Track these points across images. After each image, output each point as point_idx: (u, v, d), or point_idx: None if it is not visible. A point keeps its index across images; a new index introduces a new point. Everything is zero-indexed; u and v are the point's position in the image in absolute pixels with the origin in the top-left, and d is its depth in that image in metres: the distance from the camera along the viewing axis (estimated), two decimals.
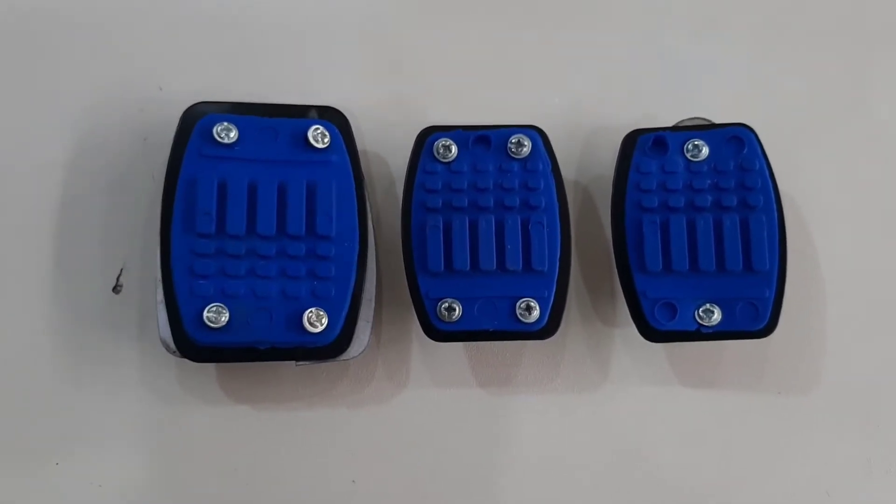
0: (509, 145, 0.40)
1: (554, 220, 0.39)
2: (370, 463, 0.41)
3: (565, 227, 0.40)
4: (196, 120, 0.39)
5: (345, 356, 0.39)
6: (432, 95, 0.45)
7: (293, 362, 0.40)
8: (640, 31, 0.46)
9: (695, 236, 0.39)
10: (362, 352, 0.39)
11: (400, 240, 0.40)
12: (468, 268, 0.39)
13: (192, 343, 0.38)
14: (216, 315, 0.37)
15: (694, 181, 0.40)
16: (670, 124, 0.42)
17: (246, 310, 0.38)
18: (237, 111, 0.40)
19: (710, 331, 0.39)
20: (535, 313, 0.39)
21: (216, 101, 0.41)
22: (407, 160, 0.40)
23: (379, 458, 0.41)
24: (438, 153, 0.40)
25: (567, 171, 0.42)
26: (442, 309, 0.39)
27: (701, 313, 0.39)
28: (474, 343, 0.42)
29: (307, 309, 0.38)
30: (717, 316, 0.39)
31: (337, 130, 0.40)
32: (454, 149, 0.40)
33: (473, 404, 0.42)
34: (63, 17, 0.44)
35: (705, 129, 0.41)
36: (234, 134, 0.39)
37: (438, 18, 0.46)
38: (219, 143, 0.39)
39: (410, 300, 0.39)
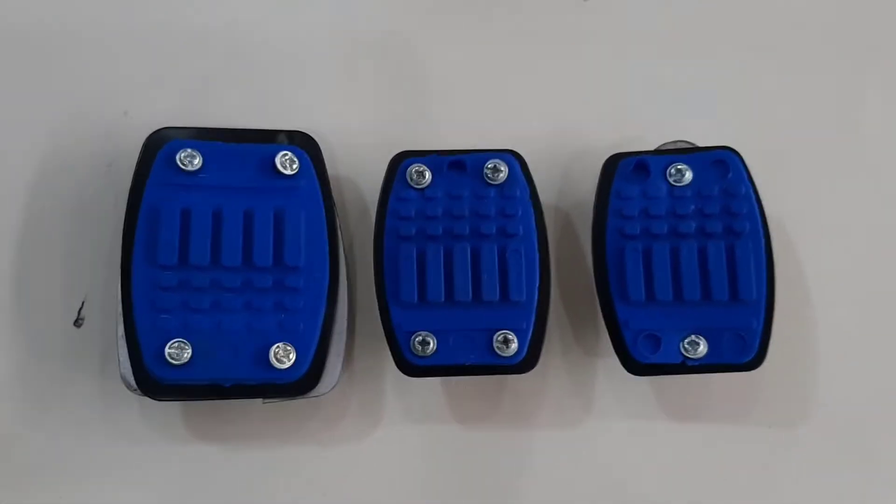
0: (485, 171, 0.39)
1: (532, 248, 0.38)
2: (343, 503, 0.39)
3: (544, 256, 0.38)
4: (159, 146, 0.38)
5: (314, 393, 0.37)
6: (407, 119, 0.43)
7: (260, 400, 0.38)
8: (620, 52, 0.45)
9: (679, 264, 0.38)
10: (333, 388, 0.38)
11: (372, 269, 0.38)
12: (443, 299, 0.37)
13: (153, 380, 0.36)
14: (178, 351, 0.36)
15: (677, 207, 0.39)
16: (652, 148, 0.40)
17: (210, 345, 0.36)
18: (202, 137, 0.39)
19: (696, 363, 0.37)
20: (514, 346, 0.37)
21: (181, 126, 0.39)
22: (379, 185, 0.39)
23: (352, 498, 0.39)
24: (412, 179, 0.39)
25: (546, 196, 0.40)
26: (416, 342, 0.37)
27: (686, 345, 0.37)
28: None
29: (274, 344, 0.36)
30: (702, 348, 0.37)
31: (306, 156, 0.39)
32: (428, 174, 0.39)
33: (451, 441, 0.40)
34: (26, 38, 0.43)
35: (688, 153, 0.39)
36: (197, 161, 0.38)
37: (413, 40, 0.44)
38: (182, 170, 0.37)
39: (382, 332, 0.38)
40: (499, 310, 0.37)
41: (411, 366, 0.37)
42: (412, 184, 0.39)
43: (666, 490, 0.40)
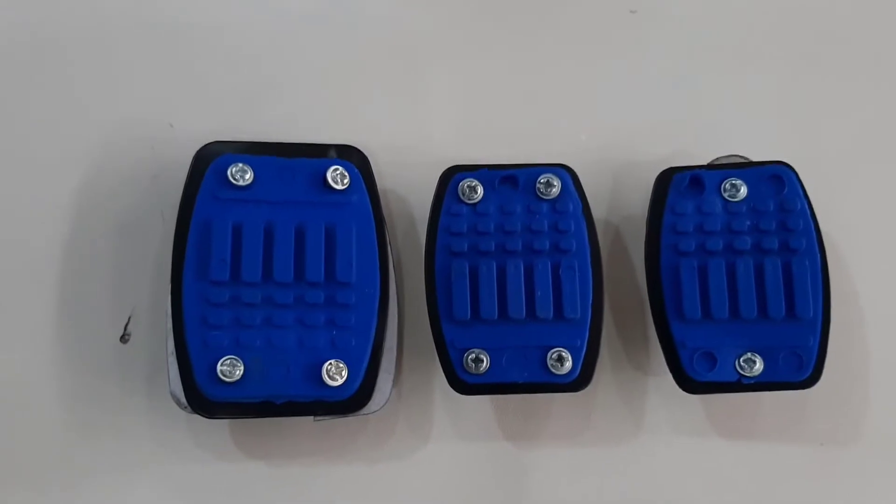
0: (538, 185, 0.38)
1: (586, 264, 0.38)
2: None
3: (597, 272, 0.38)
4: (210, 160, 0.38)
5: (366, 410, 0.37)
6: (455, 133, 0.43)
7: (311, 417, 0.38)
8: (671, 64, 0.44)
9: (735, 281, 0.37)
10: (384, 405, 0.37)
11: (422, 284, 0.38)
12: (496, 316, 0.37)
13: (204, 398, 0.36)
14: (230, 368, 0.35)
15: (732, 223, 0.38)
16: (704, 162, 0.40)
17: (262, 362, 0.36)
18: (252, 151, 0.38)
19: (752, 381, 0.37)
20: (568, 364, 0.37)
21: (230, 140, 0.39)
22: (428, 200, 0.39)
23: None
24: (463, 194, 0.38)
25: (596, 209, 0.40)
26: (469, 360, 0.37)
27: (742, 363, 0.37)
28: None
29: (326, 361, 0.36)
30: (758, 366, 0.37)
31: (357, 171, 0.38)
32: (480, 189, 0.38)
33: (500, 459, 0.40)
34: (72, 51, 0.43)
35: (743, 168, 0.39)
36: (249, 175, 0.37)
37: (462, 54, 0.44)
38: (233, 185, 0.37)
39: (432, 348, 0.38)
40: (553, 327, 0.37)
41: (464, 384, 0.37)
42: (464, 199, 0.38)
43: None
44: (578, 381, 0.37)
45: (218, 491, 0.39)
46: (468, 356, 0.37)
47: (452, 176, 0.39)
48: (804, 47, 0.45)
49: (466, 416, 0.40)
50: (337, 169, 0.38)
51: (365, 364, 0.37)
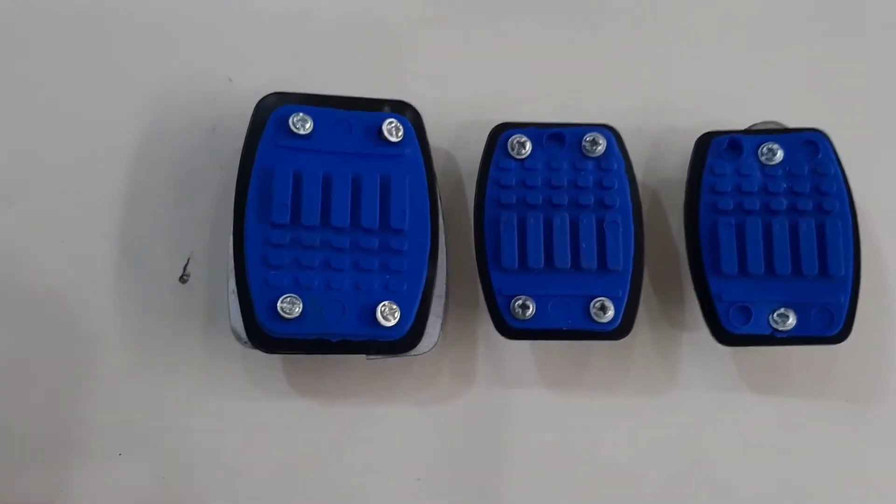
0: (584, 144, 0.40)
1: (628, 219, 0.39)
2: (435, 461, 0.41)
3: (639, 227, 0.39)
4: (270, 110, 0.39)
5: (415, 351, 0.38)
6: (499, 93, 0.44)
7: (361, 356, 0.39)
8: (711, 32, 0.46)
9: (770, 240, 0.39)
10: (432, 347, 0.39)
11: (467, 236, 0.40)
12: (542, 265, 0.38)
13: (264, 334, 0.37)
14: (290, 306, 0.37)
15: (769, 184, 0.40)
16: (739, 127, 0.42)
17: (319, 301, 0.37)
18: (311, 103, 0.40)
19: (785, 335, 0.39)
20: (610, 313, 0.38)
21: (289, 91, 0.40)
22: (473, 156, 0.40)
23: (444, 456, 0.41)
24: (513, 150, 0.40)
25: (635, 172, 0.41)
26: (516, 306, 0.38)
27: (776, 317, 0.39)
28: (541, 343, 0.42)
29: (380, 302, 0.38)
30: (791, 320, 0.38)
31: (410, 125, 0.40)
32: (528, 145, 0.40)
33: (539, 404, 0.41)
34: (133, 6, 0.44)
35: (779, 133, 0.41)
36: (309, 125, 0.39)
37: (509, 16, 0.46)
38: (294, 133, 0.39)
39: (475, 297, 0.40)
40: (596, 277, 0.39)
41: (510, 328, 0.38)
42: (513, 154, 0.40)
43: (744, 460, 0.41)
44: (619, 329, 0.39)
45: (269, 427, 0.40)
46: (515, 302, 0.38)
47: (502, 132, 0.40)
48: (842, 15, 0.46)
49: (507, 363, 0.42)
50: (392, 122, 0.39)
51: (416, 307, 0.38)
